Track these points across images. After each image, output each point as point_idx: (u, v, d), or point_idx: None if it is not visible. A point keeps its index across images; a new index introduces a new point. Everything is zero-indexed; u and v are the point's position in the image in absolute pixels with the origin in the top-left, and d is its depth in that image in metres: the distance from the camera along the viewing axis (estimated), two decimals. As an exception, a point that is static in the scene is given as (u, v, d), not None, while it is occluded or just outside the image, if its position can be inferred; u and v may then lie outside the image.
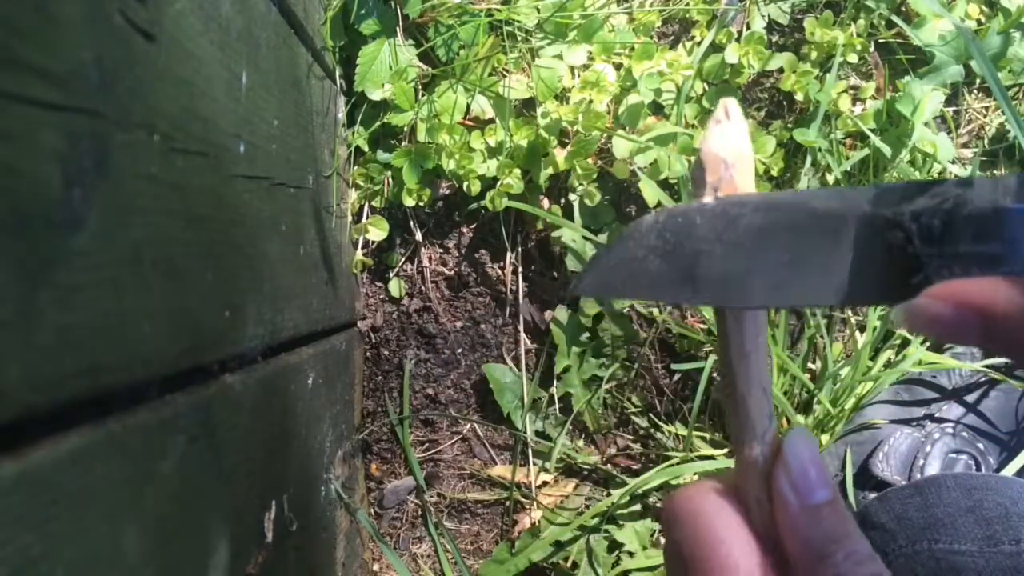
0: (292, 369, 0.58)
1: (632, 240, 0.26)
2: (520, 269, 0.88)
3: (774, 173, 0.85)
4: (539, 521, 0.87)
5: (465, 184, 0.81)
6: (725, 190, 0.27)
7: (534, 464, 0.89)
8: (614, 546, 0.85)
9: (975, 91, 0.90)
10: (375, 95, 0.77)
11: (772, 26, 0.89)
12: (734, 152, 0.27)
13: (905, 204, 0.24)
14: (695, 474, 0.82)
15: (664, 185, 0.82)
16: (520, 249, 0.88)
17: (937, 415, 0.78)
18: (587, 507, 0.87)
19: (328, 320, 0.71)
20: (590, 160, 0.82)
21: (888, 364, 0.84)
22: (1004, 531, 0.59)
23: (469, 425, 0.90)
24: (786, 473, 0.27)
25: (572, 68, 0.82)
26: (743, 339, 0.27)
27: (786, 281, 0.25)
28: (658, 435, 0.88)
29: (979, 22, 0.87)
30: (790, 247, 0.25)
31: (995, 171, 0.89)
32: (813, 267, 0.25)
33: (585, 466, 0.89)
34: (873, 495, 0.72)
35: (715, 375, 0.86)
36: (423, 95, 0.79)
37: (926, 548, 0.60)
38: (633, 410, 0.89)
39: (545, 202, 0.86)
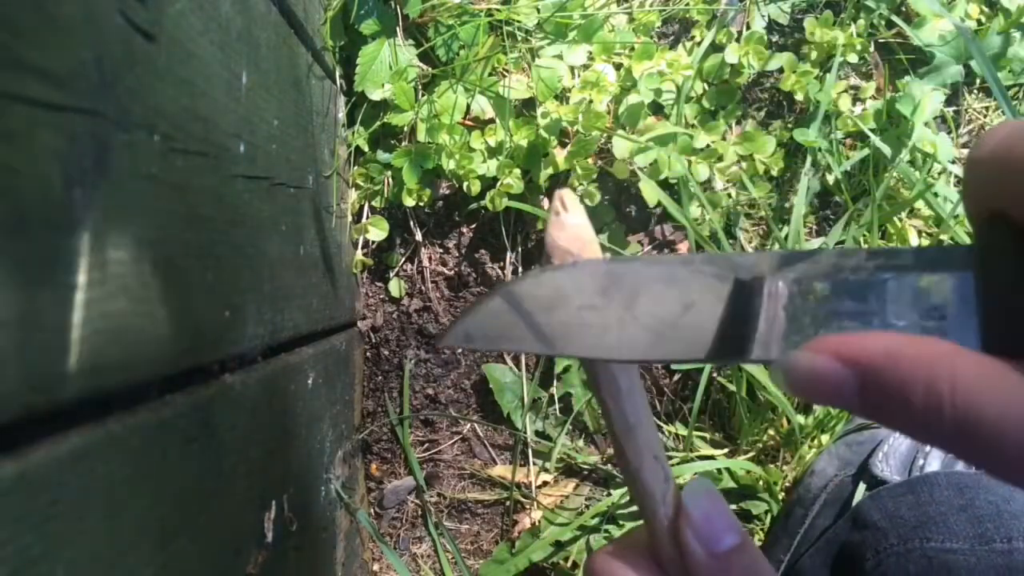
0: (292, 369, 0.58)
1: (501, 295, 0.26)
2: (520, 269, 0.88)
3: (774, 173, 0.85)
4: (539, 521, 0.87)
5: (465, 184, 0.81)
6: None
7: (534, 464, 0.89)
8: (603, 546, 0.85)
9: (975, 91, 0.90)
10: (375, 95, 0.77)
11: (772, 26, 0.89)
12: (577, 242, 0.27)
13: (785, 269, 0.24)
14: (695, 474, 0.82)
15: (664, 185, 0.82)
16: (520, 249, 0.88)
17: (937, 415, 0.78)
18: (587, 507, 0.87)
19: (328, 320, 0.71)
20: (590, 160, 0.82)
21: (888, 364, 0.84)
22: (996, 529, 0.59)
23: (469, 425, 0.90)
24: (690, 526, 0.27)
25: (572, 68, 0.82)
26: (625, 414, 0.28)
27: (659, 336, 0.25)
28: (658, 435, 0.88)
29: (979, 22, 0.87)
30: (665, 302, 0.25)
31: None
32: (687, 322, 0.25)
33: (585, 466, 0.89)
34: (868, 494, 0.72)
35: (715, 376, 0.87)
36: (423, 95, 0.79)
37: (918, 547, 0.60)
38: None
39: (545, 202, 0.86)
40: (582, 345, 0.25)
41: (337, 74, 0.77)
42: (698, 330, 0.25)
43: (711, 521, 0.27)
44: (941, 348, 0.21)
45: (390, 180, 0.83)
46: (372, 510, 0.91)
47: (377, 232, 0.84)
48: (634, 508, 0.85)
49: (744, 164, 0.85)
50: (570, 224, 0.27)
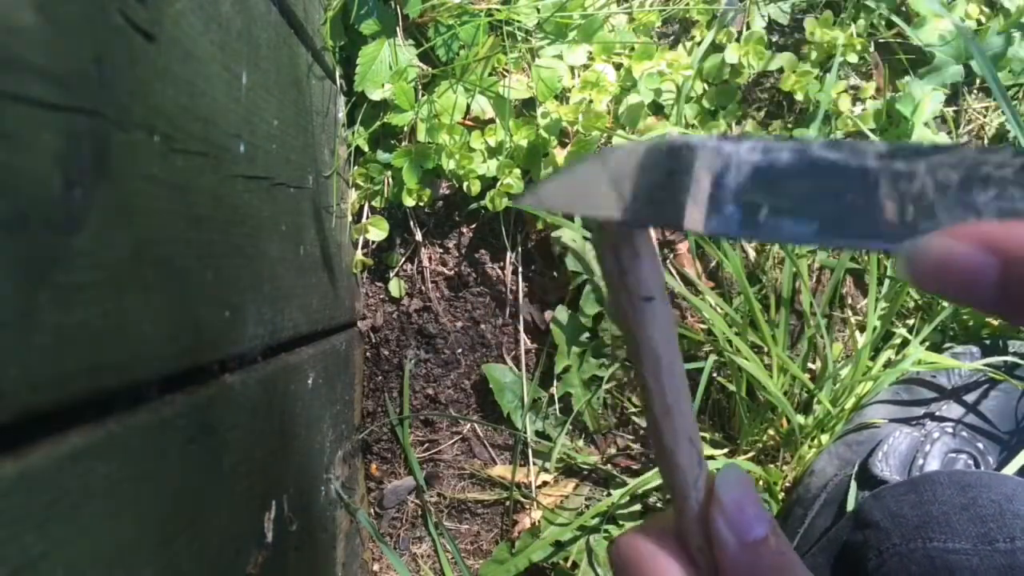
0: (292, 369, 0.58)
1: (603, 160, 0.25)
2: (520, 269, 0.88)
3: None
4: (539, 521, 0.87)
5: (465, 184, 0.81)
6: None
7: (534, 464, 0.89)
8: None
9: (975, 91, 0.90)
10: (375, 95, 0.77)
11: (772, 26, 0.89)
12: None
13: (920, 159, 0.23)
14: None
15: (664, 185, 0.82)
16: (520, 249, 0.88)
17: (937, 414, 0.78)
18: (587, 507, 0.87)
19: (328, 320, 0.71)
20: (590, 160, 0.82)
21: (888, 364, 0.84)
22: (999, 529, 0.58)
23: (469, 425, 0.90)
24: (721, 514, 0.27)
25: (572, 68, 0.82)
26: (664, 393, 0.28)
27: (777, 218, 0.24)
28: (658, 435, 0.88)
29: (979, 22, 0.87)
30: (786, 186, 0.24)
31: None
32: (807, 206, 0.23)
33: (585, 466, 0.89)
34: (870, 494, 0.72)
35: (715, 376, 0.86)
36: (423, 95, 0.79)
37: (920, 547, 0.60)
38: (633, 410, 0.89)
39: (545, 202, 0.86)
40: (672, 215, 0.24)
41: (337, 74, 0.77)
42: (823, 213, 0.23)
43: (743, 510, 0.27)
44: None
45: (390, 180, 0.83)
46: (372, 510, 0.91)
47: (377, 232, 0.84)
48: (634, 508, 0.85)
49: (744, 164, 0.85)
50: None
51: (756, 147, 0.24)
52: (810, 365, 0.87)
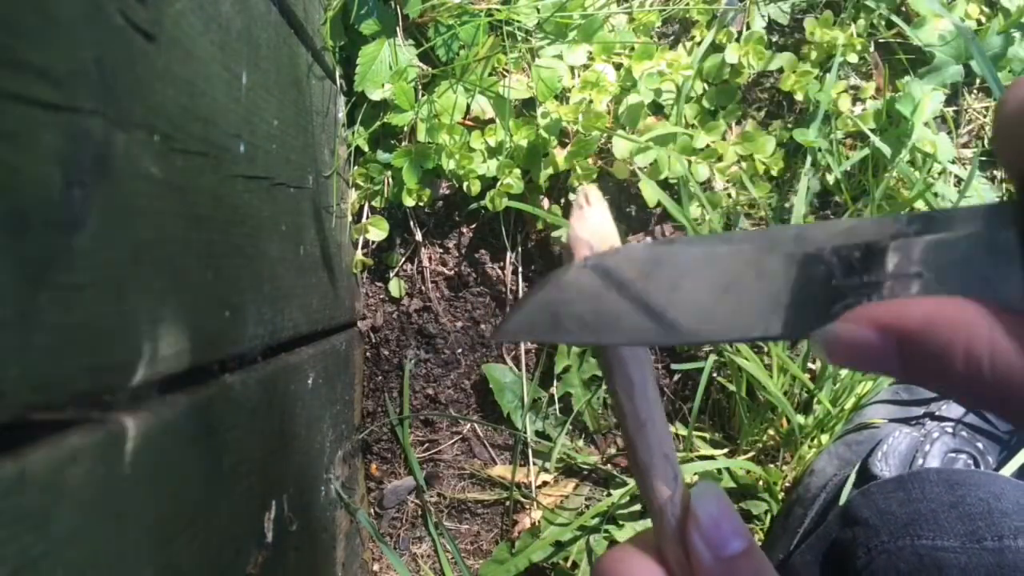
0: (292, 369, 0.58)
1: (554, 285, 0.26)
2: (520, 269, 0.88)
3: (774, 173, 0.85)
4: (539, 521, 0.87)
5: (465, 184, 0.81)
6: None
7: (534, 464, 0.89)
8: (614, 546, 0.85)
9: (975, 91, 0.90)
10: (375, 95, 0.77)
11: (772, 26, 0.89)
12: (597, 236, 0.27)
13: (826, 242, 0.24)
14: (695, 474, 0.82)
15: (664, 185, 0.82)
16: (520, 249, 0.88)
17: (937, 414, 0.78)
18: (587, 507, 0.87)
19: (328, 320, 0.71)
20: (590, 160, 0.82)
21: (888, 364, 0.84)
22: (987, 528, 0.59)
23: (469, 425, 0.90)
24: (698, 529, 0.27)
25: (572, 68, 0.82)
26: (637, 410, 0.28)
27: (708, 316, 0.25)
28: (658, 435, 0.88)
29: (979, 22, 0.87)
30: (711, 281, 0.25)
31: (995, 171, 0.89)
32: (734, 301, 0.25)
33: (585, 466, 0.89)
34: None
35: (715, 376, 0.86)
36: (423, 95, 0.79)
37: (908, 544, 0.60)
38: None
39: (545, 202, 0.86)
40: (626, 332, 0.26)
41: (337, 74, 0.77)
42: (738, 309, 0.25)
43: (719, 525, 0.27)
44: (979, 311, 0.21)
45: (390, 180, 0.83)
46: (372, 510, 0.91)
47: (377, 232, 0.84)
48: (634, 508, 0.85)
49: (744, 164, 0.85)
50: (592, 219, 0.28)
51: (686, 242, 0.26)
52: (810, 365, 0.87)
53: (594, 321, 0.26)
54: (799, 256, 0.25)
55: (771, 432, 0.86)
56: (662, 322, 0.25)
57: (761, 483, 0.85)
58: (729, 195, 0.86)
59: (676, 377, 0.89)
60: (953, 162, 0.85)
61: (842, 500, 0.72)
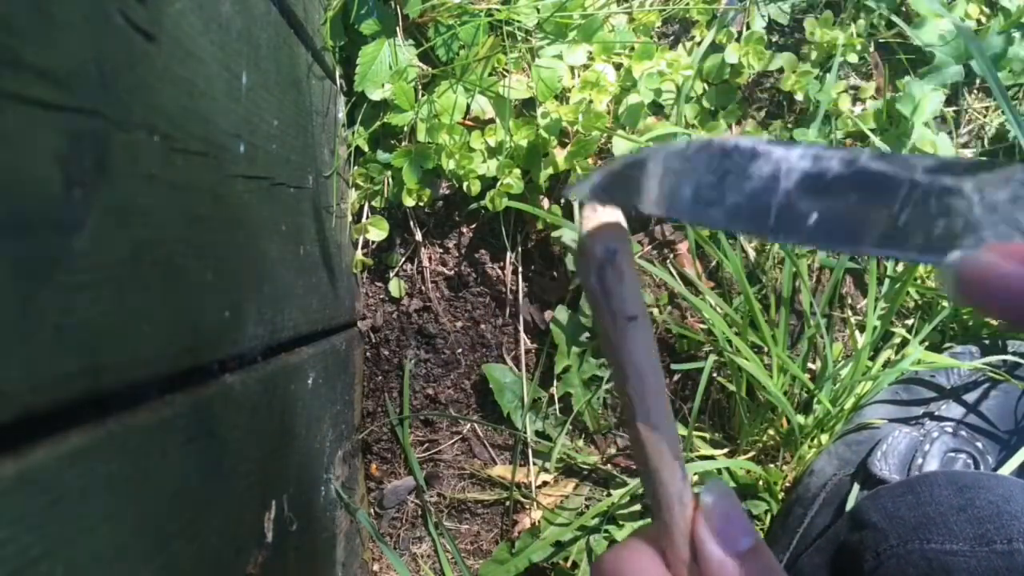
0: (292, 369, 0.58)
1: (652, 156, 0.26)
2: (520, 269, 0.88)
3: (774, 173, 0.85)
4: (539, 521, 0.87)
5: (465, 184, 0.81)
6: (609, 268, 0.27)
7: (534, 464, 0.89)
8: (617, 543, 0.85)
9: (975, 91, 0.90)
10: (375, 95, 0.77)
11: (772, 26, 0.89)
12: (608, 218, 0.27)
13: (967, 176, 0.23)
14: (695, 474, 0.82)
15: (664, 185, 0.82)
16: (520, 249, 0.88)
17: (936, 414, 0.78)
18: (587, 507, 0.87)
19: (328, 320, 0.71)
20: (590, 160, 0.82)
21: (887, 364, 0.84)
22: (996, 530, 0.58)
23: (469, 425, 0.90)
24: (707, 527, 0.27)
25: (572, 68, 0.82)
26: (649, 411, 0.28)
27: (823, 223, 0.24)
28: (658, 435, 0.88)
29: (979, 22, 0.87)
30: (832, 192, 0.24)
31: (995, 171, 0.89)
32: (850, 213, 0.24)
33: (585, 466, 0.89)
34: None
35: (715, 376, 0.86)
36: (423, 95, 0.79)
37: (917, 548, 0.60)
38: (633, 410, 0.89)
39: (545, 202, 0.86)
40: (760, 223, 0.25)
41: (337, 74, 0.77)
42: (866, 222, 0.24)
43: (729, 522, 0.27)
44: None
45: (390, 180, 0.83)
46: (372, 510, 0.91)
47: (377, 232, 0.84)
48: (634, 508, 0.85)
49: (744, 164, 0.85)
50: (604, 213, 0.28)
51: (807, 154, 0.25)
52: (810, 365, 0.87)
53: (697, 200, 0.25)
54: (935, 187, 0.23)
55: (771, 432, 0.86)
56: (761, 209, 0.24)
57: (761, 483, 0.85)
58: (729, 195, 0.86)
59: (676, 377, 0.89)
60: (953, 162, 0.85)
61: (849, 504, 0.72)
